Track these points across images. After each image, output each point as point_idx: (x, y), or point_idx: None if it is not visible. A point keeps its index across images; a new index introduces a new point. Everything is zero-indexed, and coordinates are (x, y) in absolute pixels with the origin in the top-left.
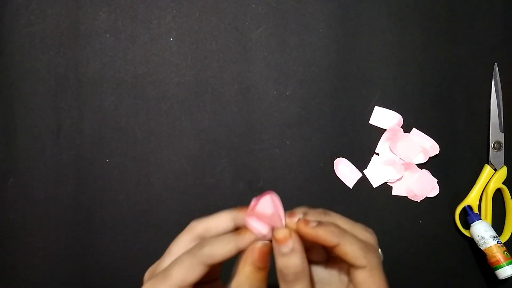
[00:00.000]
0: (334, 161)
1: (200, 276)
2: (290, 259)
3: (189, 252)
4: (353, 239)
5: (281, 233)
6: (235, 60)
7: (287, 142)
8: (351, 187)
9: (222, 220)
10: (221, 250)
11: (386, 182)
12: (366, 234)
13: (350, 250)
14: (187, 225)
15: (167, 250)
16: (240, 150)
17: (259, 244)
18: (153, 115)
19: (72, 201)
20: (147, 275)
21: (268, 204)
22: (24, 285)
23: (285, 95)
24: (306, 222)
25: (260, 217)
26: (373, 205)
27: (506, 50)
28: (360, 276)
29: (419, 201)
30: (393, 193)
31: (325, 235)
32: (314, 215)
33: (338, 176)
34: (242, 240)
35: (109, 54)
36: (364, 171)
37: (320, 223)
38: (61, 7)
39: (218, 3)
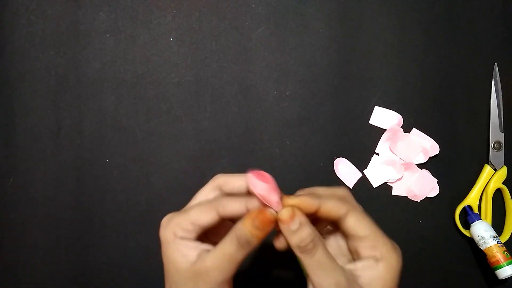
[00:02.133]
0: (334, 161)
1: (211, 221)
2: (303, 232)
3: (208, 200)
4: (330, 198)
5: (285, 213)
6: (235, 60)
7: (287, 142)
8: (351, 187)
9: (240, 180)
10: (232, 204)
11: (386, 182)
12: (340, 191)
13: (330, 206)
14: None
15: (193, 198)
16: (240, 150)
17: (267, 211)
18: (153, 115)
19: (72, 201)
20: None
21: (258, 182)
22: (24, 285)
23: (285, 95)
24: (288, 196)
25: (259, 191)
26: (373, 205)
27: (506, 50)
28: (348, 223)
29: (419, 201)
30: (393, 193)
31: (306, 202)
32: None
33: (338, 176)
34: (252, 202)
35: (109, 54)
36: (364, 171)
37: (299, 195)
38: (61, 7)
39: (218, 3)
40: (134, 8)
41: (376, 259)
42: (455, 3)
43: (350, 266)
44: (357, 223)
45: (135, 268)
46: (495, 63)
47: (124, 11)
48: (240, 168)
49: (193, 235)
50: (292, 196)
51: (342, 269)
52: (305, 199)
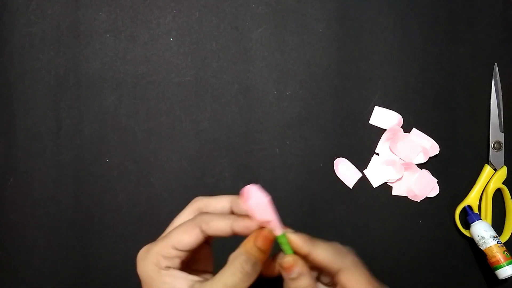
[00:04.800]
0: (334, 161)
1: (195, 241)
2: (300, 282)
3: (189, 220)
4: (323, 246)
5: (286, 262)
6: (235, 60)
7: (287, 142)
8: (351, 187)
9: (221, 201)
10: (217, 222)
11: (386, 182)
12: (340, 246)
13: (322, 256)
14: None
15: (170, 224)
16: (240, 150)
17: (266, 230)
18: (153, 115)
19: (72, 201)
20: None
21: (259, 194)
22: (24, 285)
23: (285, 95)
24: (285, 228)
25: (255, 205)
26: (373, 205)
27: (506, 50)
28: (342, 279)
29: (419, 201)
30: (393, 193)
31: (297, 242)
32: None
33: (338, 176)
34: (239, 221)
35: (109, 54)
36: (364, 171)
37: (295, 233)
38: (61, 7)
39: (218, 3)
40: (134, 8)
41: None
42: (455, 3)
43: None
44: (351, 279)
45: (135, 268)
46: (495, 63)
47: (124, 11)
48: (240, 168)
49: (178, 262)
50: (289, 230)
51: None
52: (298, 239)
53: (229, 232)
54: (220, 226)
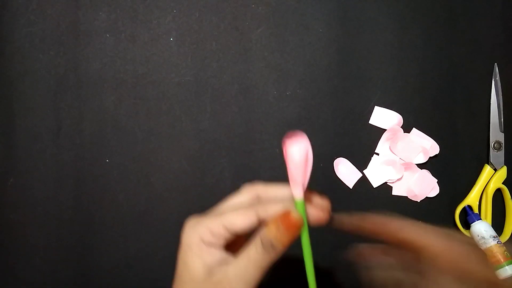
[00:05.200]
0: (334, 161)
1: (249, 225)
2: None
3: (248, 206)
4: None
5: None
6: (235, 60)
7: None
8: (351, 187)
9: (281, 190)
10: (274, 208)
11: (386, 182)
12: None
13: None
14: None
15: (222, 203)
16: (240, 150)
17: (292, 215)
18: (153, 115)
19: (72, 201)
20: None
21: (302, 147)
22: (24, 285)
23: (285, 95)
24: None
25: (293, 155)
26: (373, 205)
27: (506, 50)
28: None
29: (419, 201)
30: (393, 193)
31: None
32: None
33: (338, 176)
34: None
35: (109, 54)
36: (364, 171)
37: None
38: (61, 7)
39: (218, 3)
40: (134, 8)
41: None
42: (455, 3)
43: None
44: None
45: (135, 267)
46: (495, 63)
47: (124, 11)
48: (240, 168)
49: (222, 242)
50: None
51: None
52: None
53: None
54: (277, 212)
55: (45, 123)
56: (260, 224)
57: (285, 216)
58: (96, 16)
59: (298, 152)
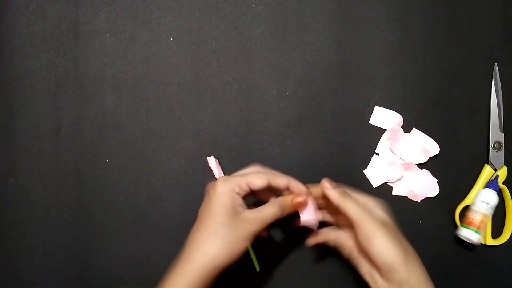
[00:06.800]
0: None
1: (262, 186)
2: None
3: (262, 171)
4: (352, 202)
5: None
6: (235, 60)
7: (287, 142)
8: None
9: (283, 180)
10: (280, 178)
11: (386, 182)
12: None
13: (349, 209)
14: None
15: (240, 170)
16: (240, 150)
17: (304, 199)
18: (153, 115)
19: (72, 201)
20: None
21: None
22: (24, 285)
23: (285, 95)
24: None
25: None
26: None
27: (506, 50)
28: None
29: (419, 201)
30: (393, 193)
31: (332, 195)
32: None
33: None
34: (293, 183)
35: (109, 54)
36: (364, 171)
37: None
38: (61, 7)
39: (218, 3)
40: (134, 8)
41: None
42: (455, 3)
43: None
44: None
45: (135, 267)
46: (495, 63)
47: (124, 11)
48: (240, 168)
49: (244, 193)
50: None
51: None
52: (333, 193)
53: (285, 186)
54: (282, 181)
55: (45, 123)
56: (268, 186)
57: (298, 197)
58: (96, 16)
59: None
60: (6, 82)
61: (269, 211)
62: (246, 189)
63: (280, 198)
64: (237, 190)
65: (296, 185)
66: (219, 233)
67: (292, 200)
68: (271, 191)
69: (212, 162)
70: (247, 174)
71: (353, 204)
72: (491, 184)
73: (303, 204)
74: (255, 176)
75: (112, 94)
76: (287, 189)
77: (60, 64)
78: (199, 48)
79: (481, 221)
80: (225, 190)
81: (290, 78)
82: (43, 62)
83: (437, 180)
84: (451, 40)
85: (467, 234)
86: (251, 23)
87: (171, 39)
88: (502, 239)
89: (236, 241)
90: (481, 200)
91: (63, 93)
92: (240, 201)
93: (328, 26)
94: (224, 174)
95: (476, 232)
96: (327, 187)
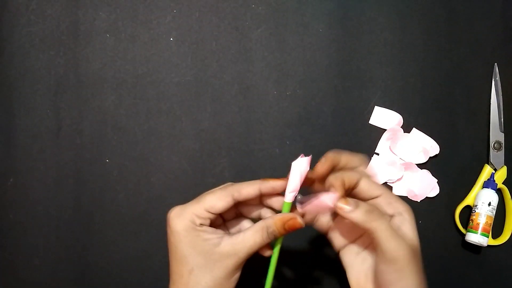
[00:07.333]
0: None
1: (226, 206)
2: (361, 207)
3: (221, 188)
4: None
5: (341, 205)
6: (235, 60)
7: (287, 142)
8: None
9: (251, 185)
10: (247, 188)
11: (386, 182)
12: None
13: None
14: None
15: (201, 195)
16: (240, 150)
17: (298, 221)
18: (153, 115)
19: (72, 201)
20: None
21: (304, 165)
22: (24, 285)
23: (285, 95)
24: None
25: (295, 170)
26: None
27: (506, 50)
28: (361, 187)
29: (419, 201)
30: None
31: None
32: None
33: None
34: (265, 184)
35: (109, 54)
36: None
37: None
38: (61, 7)
39: (218, 3)
40: (134, 8)
41: (400, 213)
42: (455, 3)
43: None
44: (368, 185)
45: (135, 267)
46: (495, 63)
47: (124, 11)
48: (240, 168)
49: (208, 222)
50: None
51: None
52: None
53: (257, 193)
54: (249, 190)
55: (45, 123)
56: (234, 203)
57: (292, 220)
58: (96, 16)
59: (303, 167)
60: (6, 82)
61: (252, 239)
62: (208, 216)
63: (268, 222)
64: (198, 221)
65: (271, 185)
66: (199, 283)
67: (284, 223)
68: (257, 199)
69: (303, 163)
70: (203, 198)
71: (388, 232)
72: (489, 183)
73: (298, 226)
74: (214, 198)
75: (112, 94)
76: (270, 193)
77: (60, 64)
78: (199, 48)
79: (486, 223)
80: (182, 227)
81: (290, 78)
82: (43, 62)
83: (437, 180)
84: (451, 40)
85: (476, 238)
86: (251, 23)
87: (171, 39)
88: (502, 239)
89: (220, 283)
90: (483, 201)
91: (63, 93)
92: (208, 233)
93: (328, 26)
94: (231, 181)
95: (483, 235)
96: (347, 210)
